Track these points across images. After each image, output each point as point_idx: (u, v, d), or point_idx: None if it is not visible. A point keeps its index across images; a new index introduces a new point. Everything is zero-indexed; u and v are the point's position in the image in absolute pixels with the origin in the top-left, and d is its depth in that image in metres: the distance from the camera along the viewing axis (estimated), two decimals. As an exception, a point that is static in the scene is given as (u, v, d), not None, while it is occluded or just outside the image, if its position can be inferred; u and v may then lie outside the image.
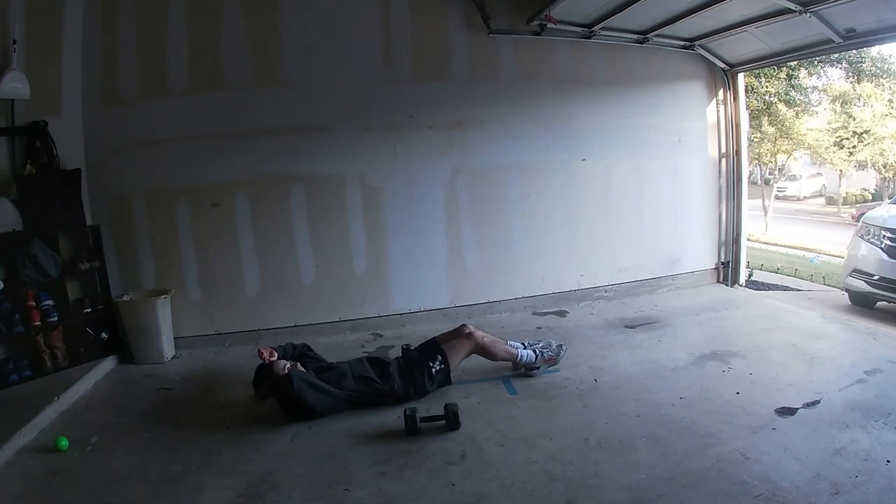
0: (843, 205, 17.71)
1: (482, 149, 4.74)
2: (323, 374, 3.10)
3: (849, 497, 2.14)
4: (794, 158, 15.97)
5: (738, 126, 5.42)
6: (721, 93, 5.38)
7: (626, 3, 4.15)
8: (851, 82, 13.44)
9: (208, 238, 4.35)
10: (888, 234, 5.06)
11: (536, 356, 3.43)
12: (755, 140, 13.49)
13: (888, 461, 2.34)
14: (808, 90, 13.33)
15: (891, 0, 3.61)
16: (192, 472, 2.56)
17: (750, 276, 6.19)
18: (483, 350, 3.35)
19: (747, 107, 7.38)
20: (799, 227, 14.95)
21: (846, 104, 13.68)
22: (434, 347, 3.31)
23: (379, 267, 4.61)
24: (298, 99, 4.37)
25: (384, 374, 3.14)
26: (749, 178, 7.04)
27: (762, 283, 6.56)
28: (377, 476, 2.46)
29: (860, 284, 5.26)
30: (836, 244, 10.53)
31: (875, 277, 5.08)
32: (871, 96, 13.38)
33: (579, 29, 4.66)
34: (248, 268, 4.42)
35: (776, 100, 12.78)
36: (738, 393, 3.06)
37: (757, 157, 14.97)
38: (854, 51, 11.40)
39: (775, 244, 12.30)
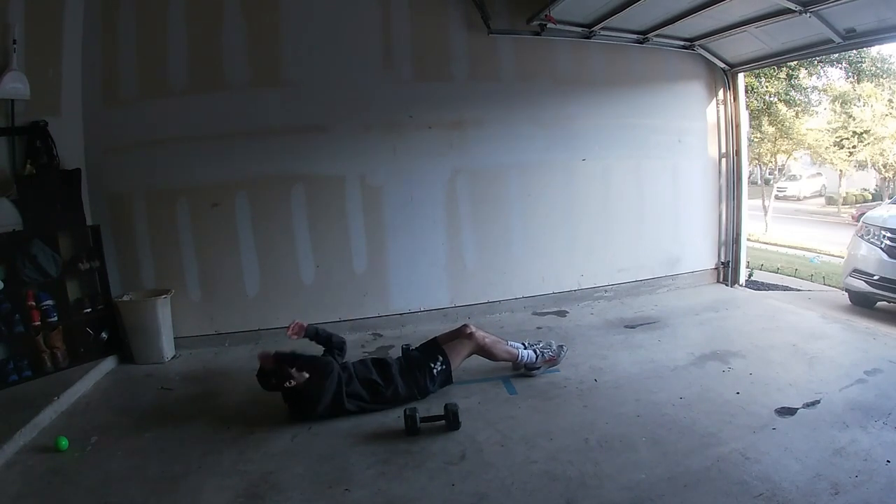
0: (843, 205, 17.70)
1: (482, 149, 4.74)
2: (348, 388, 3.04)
3: (849, 497, 2.14)
4: (794, 158, 15.97)
5: (738, 126, 5.42)
6: (721, 93, 5.39)
7: (626, 3, 4.15)
8: (851, 82, 13.43)
9: (208, 238, 4.35)
10: (888, 234, 5.06)
11: (537, 356, 3.43)
12: (755, 140, 13.48)
13: (888, 461, 2.34)
14: (808, 90, 13.33)
15: (891, 0, 3.61)
16: (192, 472, 2.56)
17: (750, 276, 6.19)
18: (484, 350, 3.35)
19: (747, 107, 7.38)
20: (799, 227, 14.94)
21: (846, 104, 13.68)
22: (435, 348, 3.31)
23: (379, 267, 4.61)
24: (298, 99, 4.37)
25: (387, 377, 3.13)
26: (749, 178, 7.04)
27: (762, 283, 6.56)
28: (377, 476, 2.47)
29: (860, 284, 5.26)
30: (836, 244, 10.52)
31: (875, 277, 5.08)
32: (871, 96, 13.37)
33: (579, 29, 4.66)
34: (248, 268, 4.42)
35: (776, 100, 12.78)
36: (738, 393, 3.06)
37: (757, 157, 14.96)
38: (854, 51, 11.40)
39: (775, 244, 12.30)
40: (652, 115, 5.16)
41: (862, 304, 5.38)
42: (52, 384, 3.47)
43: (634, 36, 4.88)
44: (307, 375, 2.95)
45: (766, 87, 12.51)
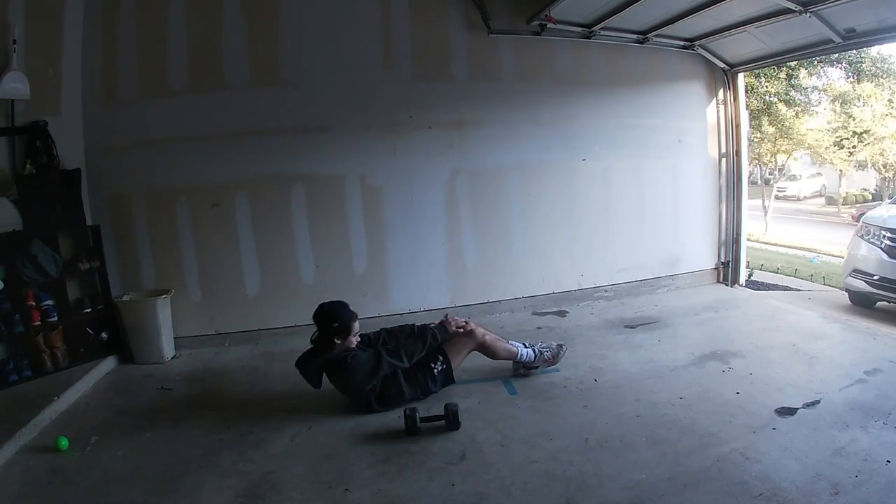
0: (843, 205, 17.72)
1: (482, 149, 4.74)
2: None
3: (849, 497, 2.14)
4: (794, 158, 15.98)
5: (738, 126, 5.42)
6: (721, 93, 5.38)
7: (626, 3, 4.15)
8: (851, 82, 13.44)
9: (208, 238, 4.35)
10: (888, 234, 5.07)
11: (536, 355, 3.43)
12: (755, 140, 13.49)
13: (888, 461, 2.34)
14: (808, 90, 13.33)
15: (891, 0, 3.61)
16: (192, 472, 2.56)
17: (750, 276, 6.19)
18: (484, 348, 3.34)
19: (747, 107, 7.37)
20: (799, 227, 14.96)
21: (846, 104, 13.69)
22: (435, 347, 3.30)
23: (379, 267, 4.61)
24: (298, 99, 4.37)
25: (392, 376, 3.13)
26: (749, 178, 7.04)
27: (762, 283, 6.56)
28: (377, 476, 2.46)
29: (860, 284, 5.26)
30: (836, 244, 10.53)
31: (875, 277, 5.08)
32: (871, 96, 13.38)
33: (579, 29, 4.66)
34: (248, 268, 4.42)
35: (776, 100, 12.78)
36: (738, 393, 3.06)
37: (757, 157, 14.97)
38: (854, 51, 11.41)
39: (775, 244, 12.31)
40: (652, 115, 5.16)
41: (862, 304, 5.38)
42: (52, 384, 3.47)
43: (634, 36, 4.88)
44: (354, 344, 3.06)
45: (766, 87, 12.52)
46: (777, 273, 8.09)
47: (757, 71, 10.78)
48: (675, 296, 5.15)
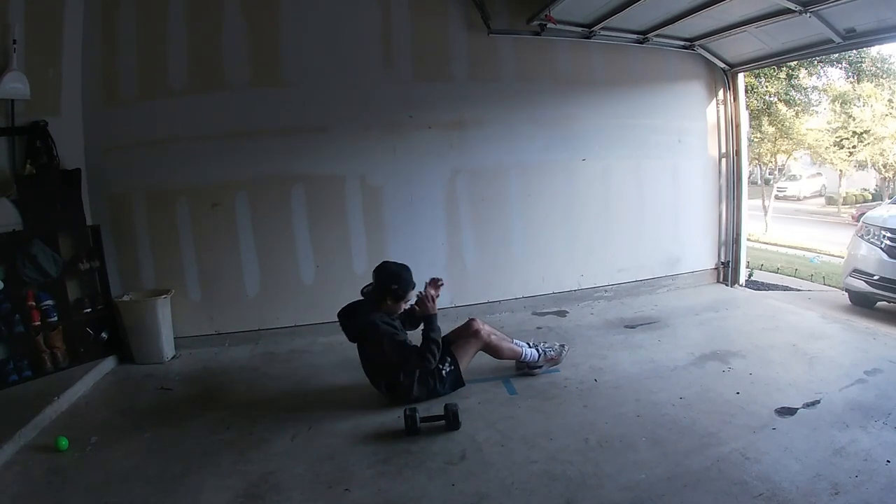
0: (843, 205, 17.72)
1: (482, 149, 4.74)
2: None
3: (849, 497, 2.14)
4: (794, 158, 15.98)
5: (738, 126, 5.42)
6: (721, 93, 5.38)
7: (626, 3, 4.15)
8: (851, 82, 13.44)
9: (208, 238, 4.35)
10: (888, 234, 5.06)
11: (539, 355, 3.44)
12: (755, 140, 13.49)
13: (888, 461, 2.34)
14: (808, 90, 13.34)
15: (891, 0, 3.60)
16: (192, 472, 2.56)
17: (750, 276, 6.19)
18: (489, 347, 3.35)
19: (747, 107, 7.38)
20: (799, 227, 14.96)
21: (846, 104, 13.69)
22: (443, 348, 3.30)
23: (379, 267, 4.61)
24: (298, 99, 4.37)
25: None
26: (749, 178, 7.04)
27: (762, 283, 6.56)
28: (377, 476, 2.46)
29: (860, 284, 5.26)
30: (836, 244, 10.53)
31: (875, 277, 5.08)
32: (871, 96, 13.38)
33: (579, 29, 4.66)
34: (248, 268, 4.42)
35: (776, 100, 12.79)
36: (738, 393, 3.06)
37: (757, 157, 14.97)
38: (854, 51, 11.40)
39: (775, 244, 12.31)
40: (652, 115, 5.16)
41: (862, 304, 5.38)
42: (52, 384, 3.47)
43: (634, 36, 4.88)
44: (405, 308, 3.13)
45: (766, 87, 12.52)
46: (777, 273, 8.09)
47: (757, 71, 10.78)
48: (675, 296, 5.15)
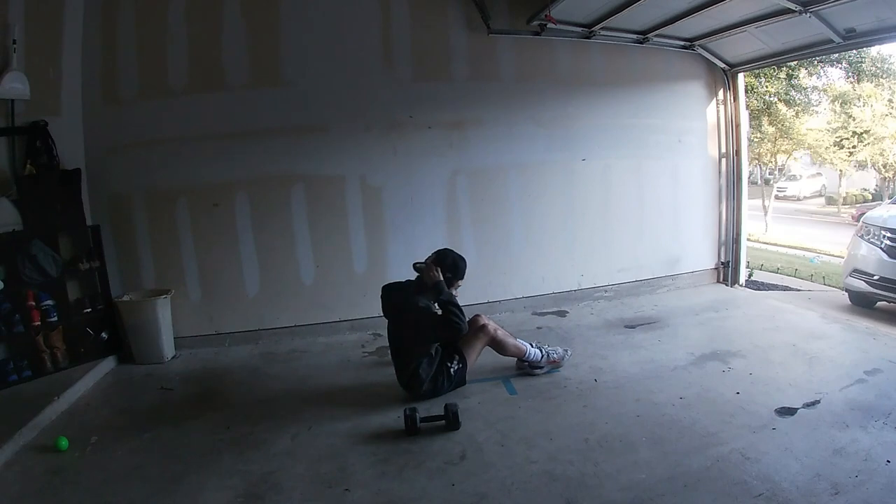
0: (843, 205, 17.71)
1: (482, 149, 4.74)
2: None
3: (849, 497, 2.14)
4: (794, 158, 15.96)
5: (738, 126, 5.42)
6: (721, 93, 5.39)
7: (626, 3, 4.15)
8: (851, 82, 13.44)
9: (208, 238, 4.35)
10: (888, 234, 5.06)
11: (542, 355, 3.45)
12: (755, 140, 13.48)
13: (888, 461, 2.34)
14: (808, 90, 13.32)
15: (891, 0, 3.60)
16: (192, 472, 2.56)
17: (750, 276, 6.19)
18: (495, 342, 3.35)
19: (747, 107, 7.37)
20: (799, 227, 14.95)
21: (846, 104, 13.68)
22: (451, 345, 3.30)
23: (379, 267, 4.61)
24: (298, 99, 4.37)
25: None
26: (749, 178, 7.04)
27: (762, 283, 6.56)
28: (377, 476, 2.47)
29: (860, 284, 5.26)
30: (836, 244, 10.53)
31: (875, 277, 5.08)
32: (871, 96, 13.38)
33: (579, 29, 4.66)
34: (248, 268, 4.42)
35: (776, 100, 12.77)
36: (738, 393, 3.06)
37: (757, 157, 14.96)
38: (854, 51, 11.40)
39: (775, 244, 12.30)
40: (652, 115, 5.16)
41: (862, 304, 5.38)
42: (52, 384, 3.47)
43: (634, 36, 4.88)
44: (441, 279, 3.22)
45: (766, 87, 12.50)
46: (777, 273, 8.08)
47: (757, 71, 10.77)
48: (675, 296, 5.15)
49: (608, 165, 5.09)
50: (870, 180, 19.53)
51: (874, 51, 12.74)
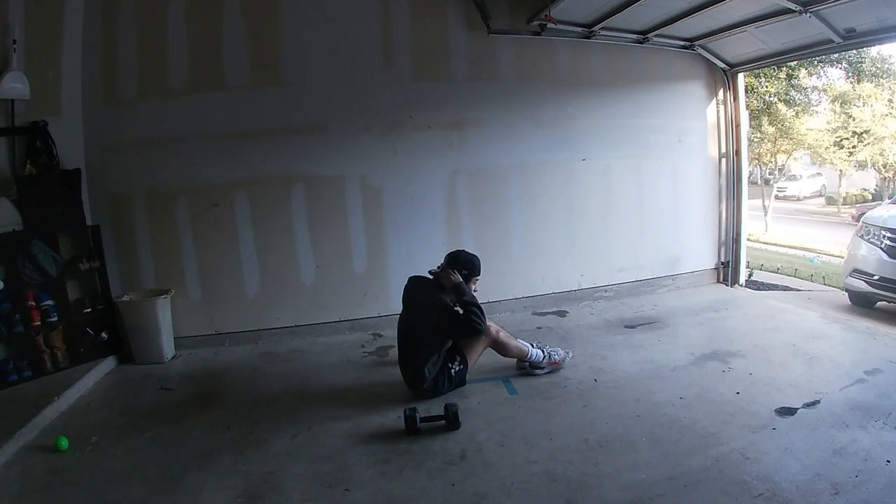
0: (843, 205, 17.71)
1: (482, 149, 4.74)
2: None
3: (849, 497, 2.14)
4: (794, 158, 15.96)
5: (738, 126, 5.42)
6: (721, 93, 5.39)
7: (626, 3, 4.15)
8: (851, 82, 13.43)
9: (208, 238, 4.35)
10: (888, 234, 5.06)
11: (544, 356, 3.45)
12: (755, 140, 13.48)
13: (888, 461, 2.34)
14: (808, 90, 13.31)
15: (891, 0, 3.61)
16: (192, 472, 2.56)
17: (750, 276, 6.19)
18: (497, 344, 3.35)
19: (747, 107, 7.37)
20: (799, 227, 14.95)
21: (846, 104, 13.68)
22: (452, 346, 3.30)
23: (379, 267, 4.61)
24: (298, 99, 4.37)
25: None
26: (749, 178, 7.04)
27: (762, 283, 6.56)
28: (377, 476, 2.47)
29: (860, 284, 5.26)
30: (836, 244, 10.53)
31: (875, 277, 5.08)
32: (871, 96, 13.38)
33: (579, 29, 4.66)
34: (248, 268, 4.42)
35: (776, 100, 12.77)
36: (738, 393, 3.06)
37: (757, 157, 14.96)
38: (854, 51, 11.40)
39: (775, 244, 12.30)
40: (652, 115, 5.16)
41: (862, 304, 5.38)
42: (52, 384, 3.47)
43: (634, 36, 4.88)
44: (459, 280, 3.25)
45: (766, 87, 12.50)
46: (777, 273, 8.08)
47: (757, 71, 10.77)
48: (675, 296, 5.15)
49: (608, 165, 5.09)
50: (870, 180, 19.54)
51: (874, 51, 12.75)
